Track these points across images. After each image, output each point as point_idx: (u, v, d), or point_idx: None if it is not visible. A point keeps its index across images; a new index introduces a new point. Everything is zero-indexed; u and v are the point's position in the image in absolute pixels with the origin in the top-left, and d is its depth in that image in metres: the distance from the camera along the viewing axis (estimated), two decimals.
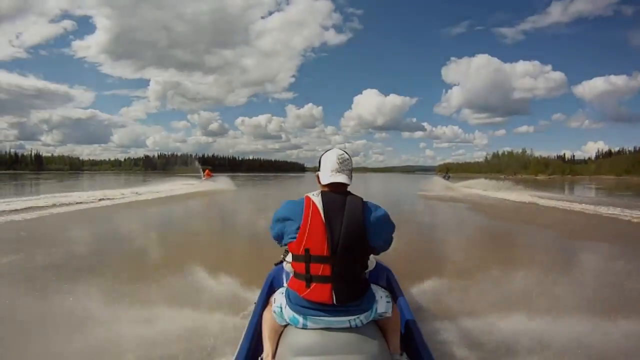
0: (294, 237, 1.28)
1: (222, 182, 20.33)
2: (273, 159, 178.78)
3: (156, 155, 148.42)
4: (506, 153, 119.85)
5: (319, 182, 1.39)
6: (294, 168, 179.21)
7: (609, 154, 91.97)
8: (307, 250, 1.26)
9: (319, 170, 1.41)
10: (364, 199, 1.33)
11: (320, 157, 1.43)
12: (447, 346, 2.06)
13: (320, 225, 1.25)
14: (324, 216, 1.26)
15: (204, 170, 23.29)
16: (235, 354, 1.47)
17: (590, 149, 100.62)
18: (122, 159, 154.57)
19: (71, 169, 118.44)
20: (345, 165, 1.38)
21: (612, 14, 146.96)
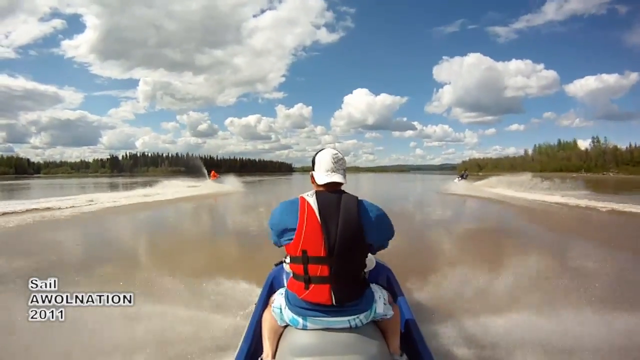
0: (291, 239, 1.40)
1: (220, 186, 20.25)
2: (258, 159, 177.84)
3: (125, 155, 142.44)
4: (562, 143, 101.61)
5: (314, 182, 1.53)
6: (281, 168, 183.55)
7: None
8: (304, 252, 1.38)
9: (313, 170, 1.54)
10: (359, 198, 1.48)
11: (314, 157, 1.56)
12: None
13: (316, 227, 1.37)
14: (320, 217, 1.38)
15: (209, 172, 23.24)
16: (236, 354, 1.60)
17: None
18: (91, 160, 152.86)
19: (17, 172, 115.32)
20: (340, 165, 1.51)
21: (606, 13, 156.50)
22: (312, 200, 1.41)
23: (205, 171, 25.10)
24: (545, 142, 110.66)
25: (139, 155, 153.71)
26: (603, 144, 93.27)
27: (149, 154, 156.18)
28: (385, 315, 1.56)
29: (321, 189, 1.49)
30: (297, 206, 1.42)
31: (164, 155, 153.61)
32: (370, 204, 1.48)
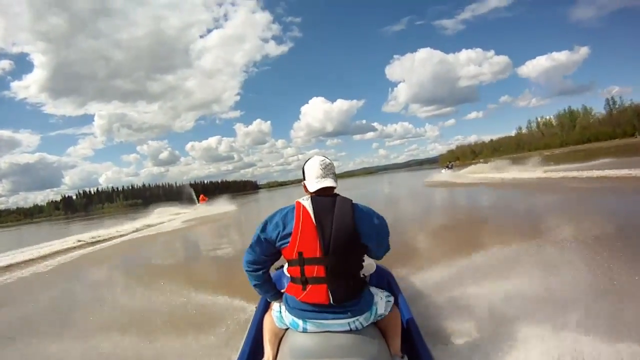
0: (287, 243, 1.49)
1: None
2: (220, 180, 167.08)
3: (78, 193, 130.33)
4: (574, 111, 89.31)
5: (307, 192, 1.64)
6: (246, 187, 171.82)
7: None
8: (300, 254, 1.47)
9: (304, 179, 1.66)
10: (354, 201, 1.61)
11: (303, 167, 1.67)
12: None
13: (311, 228, 1.46)
14: (315, 218, 1.47)
15: (198, 196, 24.67)
16: (237, 357, 1.68)
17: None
18: (45, 204, 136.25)
19: None
20: (329, 170, 1.61)
21: None
22: (308, 204, 1.51)
23: (195, 197, 26.49)
24: (542, 115, 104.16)
25: (92, 192, 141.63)
26: (619, 105, 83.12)
27: (103, 190, 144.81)
28: (386, 317, 1.66)
29: (315, 194, 1.59)
30: (293, 210, 1.52)
31: (119, 189, 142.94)
32: (364, 207, 1.58)
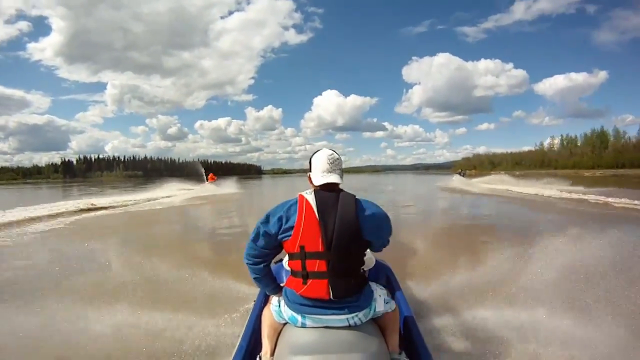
0: (289, 236, 1.51)
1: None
2: (225, 161, 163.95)
3: (78, 158, 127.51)
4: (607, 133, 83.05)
5: (312, 184, 1.65)
6: (250, 171, 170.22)
7: None
8: (302, 248, 1.49)
9: (310, 171, 1.69)
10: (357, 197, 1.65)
11: (310, 158, 1.68)
12: None
13: (314, 222, 1.48)
14: (318, 213, 1.49)
15: (207, 174, 24.38)
16: (234, 352, 1.68)
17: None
18: (44, 165, 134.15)
19: None
20: (336, 165, 1.62)
21: (575, 12, 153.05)
22: (311, 198, 1.53)
23: (204, 175, 26.39)
24: (568, 135, 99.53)
25: (93, 159, 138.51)
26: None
27: (104, 158, 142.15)
28: (385, 313, 1.68)
29: (319, 188, 1.62)
30: (296, 204, 1.54)
31: (120, 158, 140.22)
32: (368, 202, 1.60)
